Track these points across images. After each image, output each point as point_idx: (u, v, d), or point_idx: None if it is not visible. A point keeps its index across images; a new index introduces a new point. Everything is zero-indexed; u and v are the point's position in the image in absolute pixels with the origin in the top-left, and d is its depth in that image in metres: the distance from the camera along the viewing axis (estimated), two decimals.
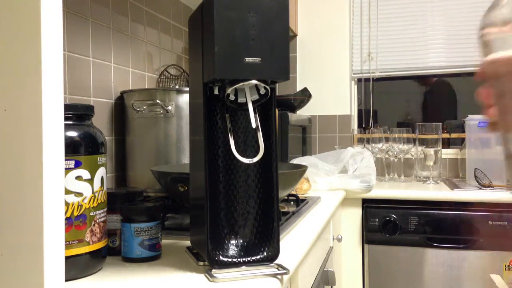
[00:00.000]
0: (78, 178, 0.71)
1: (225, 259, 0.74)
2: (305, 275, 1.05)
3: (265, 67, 0.68)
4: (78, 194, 0.71)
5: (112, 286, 0.70)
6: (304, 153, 2.11)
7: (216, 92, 0.74)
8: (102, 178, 0.76)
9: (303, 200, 1.39)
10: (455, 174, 2.23)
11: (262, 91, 0.74)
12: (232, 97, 0.74)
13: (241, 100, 0.74)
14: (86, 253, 0.72)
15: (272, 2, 0.68)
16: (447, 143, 2.25)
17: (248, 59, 0.67)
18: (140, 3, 1.47)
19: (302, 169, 1.14)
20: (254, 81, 0.69)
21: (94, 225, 0.74)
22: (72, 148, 0.71)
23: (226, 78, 0.69)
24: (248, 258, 0.74)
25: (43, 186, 0.48)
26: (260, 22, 0.68)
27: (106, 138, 0.79)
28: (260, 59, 0.68)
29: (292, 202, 1.39)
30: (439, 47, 2.31)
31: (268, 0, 0.68)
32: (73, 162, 0.71)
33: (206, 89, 0.74)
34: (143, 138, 1.29)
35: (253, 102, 0.73)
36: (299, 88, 2.30)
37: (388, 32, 2.37)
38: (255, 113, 0.73)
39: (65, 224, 0.69)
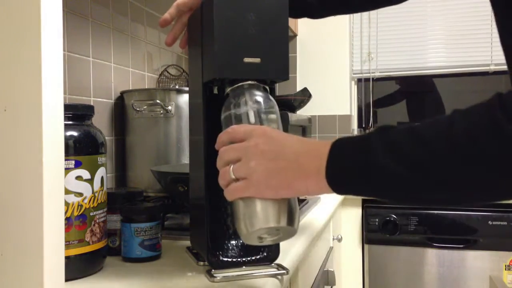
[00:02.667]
0: (78, 178, 0.71)
1: (225, 259, 0.74)
2: (305, 275, 1.05)
3: (265, 67, 0.68)
4: (78, 194, 0.71)
5: (112, 286, 0.70)
6: None
7: (215, 91, 0.75)
8: (102, 178, 0.76)
9: (303, 200, 1.39)
10: None
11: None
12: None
13: None
14: (86, 253, 0.72)
15: (272, 2, 0.68)
16: None
17: (248, 59, 0.67)
18: (140, 3, 1.47)
19: None
20: (252, 82, 0.69)
21: (94, 225, 0.74)
22: (72, 148, 0.71)
23: (225, 78, 0.69)
24: (248, 258, 0.74)
25: (43, 186, 0.48)
26: (260, 22, 0.67)
27: (106, 138, 0.79)
28: (259, 59, 0.67)
29: None
30: (439, 47, 2.31)
31: (268, 0, 0.68)
32: (73, 162, 0.71)
33: (205, 89, 0.74)
34: (143, 138, 1.29)
35: None
36: (299, 88, 2.30)
37: (388, 32, 2.37)
38: None
39: (65, 224, 0.69)
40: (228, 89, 0.69)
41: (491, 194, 0.52)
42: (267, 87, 0.71)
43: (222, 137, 0.62)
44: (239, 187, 0.58)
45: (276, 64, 0.69)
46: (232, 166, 0.59)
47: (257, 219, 0.57)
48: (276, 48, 0.69)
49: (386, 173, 0.51)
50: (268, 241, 0.61)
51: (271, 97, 0.69)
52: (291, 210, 0.59)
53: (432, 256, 1.73)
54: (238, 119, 0.65)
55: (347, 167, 0.54)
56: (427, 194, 0.53)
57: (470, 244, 1.69)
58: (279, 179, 0.56)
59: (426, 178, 0.50)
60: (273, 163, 0.56)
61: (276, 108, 0.67)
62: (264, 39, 0.68)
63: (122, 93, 1.35)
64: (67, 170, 0.70)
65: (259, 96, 0.67)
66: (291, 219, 0.59)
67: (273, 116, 0.66)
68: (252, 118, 0.64)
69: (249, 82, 0.68)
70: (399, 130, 0.53)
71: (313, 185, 0.56)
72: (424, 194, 0.53)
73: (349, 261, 1.83)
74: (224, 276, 0.70)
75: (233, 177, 0.59)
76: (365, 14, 2.39)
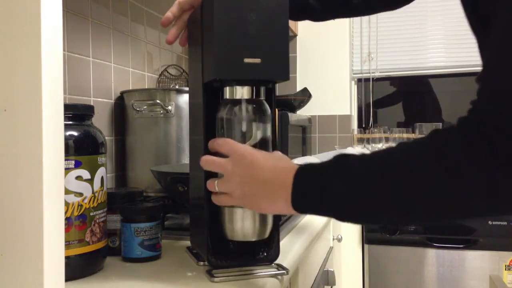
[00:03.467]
0: (78, 178, 0.71)
1: (225, 259, 0.74)
2: (305, 275, 1.05)
3: (265, 67, 0.68)
4: (78, 194, 0.71)
5: (112, 286, 0.70)
6: (304, 153, 2.11)
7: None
8: (102, 178, 0.76)
9: None
10: None
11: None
12: None
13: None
14: (86, 253, 0.72)
15: (272, 2, 0.68)
16: None
17: (248, 59, 0.67)
18: (140, 3, 1.47)
19: None
20: (249, 88, 0.70)
21: (94, 225, 0.74)
22: (72, 148, 0.71)
23: (226, 79, 0.69)
24: (248, 258, 0.74)
25: (43, 186, 0.48)
26: (260, 22, 0.67)
27: (106, 138, 0.79)
28: (259, 59, 0.67)
29: None
30: (439, 47, 2.32)
31: (268, 0, 0.68)
32: (73, 162, 0.71)
33: (206, 89, 0.74)
34: (143, 138, 1.29)
35: None
36: (299, 88, 2.30)
37: (388, 32, 2.38)
38: None
39: (65, 224, 0.69)
40: (227, 95, 0.70)
41: (422, 218, 0.59)
42: (264, 101, 0.72)
43: (212, 144, 0.70)
44: (224, 199, 0.68)
45: (276, 64, 0.69)
46: (216, 180, 0.68)
47: (236, 233, 0.70)
48: (276, 48, 0.69)
49: (341, 197, 0.58)
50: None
51: (267, 108, 0.71)
52: (265, 223, 0.71)
53: (432, 256, 1.73)
54: (230, 125, 0.70)
55: (307, 194, 0.61)
56: (375, 216, 0.59)
57: (470, 244, 1.69)
58: (254, 202, 0.65)
59: (370, 200, 0.56)
60: (248, 187, 0.65)
61: (269, 120, 0.72)
62: (265, 39, 0.68)
63: (122, 93, 1.35)
64: (67, 170, 0.70)
65: (254, 107, 0.71)
66: (264, 232, 0.71)
67: (265, 127, 0.71)
68: (244, 127, 0.70)
69: (246, 97, 0.70)
70: (353, 157, 0.59)
71: (283, 209, 0.64)
72: (372, 216, 0.59)
73: (349, 261, 1.83)
74: (224, 276, 0.70)
75: (217, 190, 0.68)
76: None
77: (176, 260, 0.82)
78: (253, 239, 0.71)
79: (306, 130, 2.16)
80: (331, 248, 1.50)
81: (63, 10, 1.12)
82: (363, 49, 2.41)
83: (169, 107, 1.25)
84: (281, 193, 0.62)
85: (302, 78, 2.42)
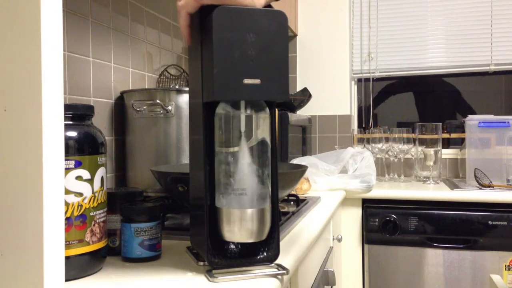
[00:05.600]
0: (78, 178, 0.71)
1: (225, 259, 0.74)
2: (305, 275, 1.05)
3: (265, 87, 0.68)
4: (78, 194, 0.71)
5: (112, 286, 0.70)
6: (304, 153, 2.11)
7: None
8: (102, 178, 0.76)
9: (303, 200, 1.39)
10: (455, 174, 2.23)
11: None
12: None
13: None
14: (86, 253, 0.72)
15: (271, 23, 0.68)
16: (447, 143, 2.25)
17: (247, 80, 0.67)
18: (140, 3, 1.47)
19: (302, 169, 1.14)
20: (248, 111, 0.71)
21: (94, 225, 0.74)
22: (72, 148, 0.71)
23: (225, 100, 0.70)
24: (248, 258, 0.74)
25: (43, 186, 0.48)
26: (259, 43, 0.67)
27: (106, 138, 0.79)
28: (259, 80, 0.67)
29: (292, 202, 1.39)
30: (439, 47, 2.31)
31: (267, 20, 0.68)
32: (73, 162, 0.71)
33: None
34: (143, 138, 1.29)
35: None
36: (299, 88, 2.30)
37: (388, 32, 2.37)
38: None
39: (65, 224, 0.69)
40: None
41: None
42: (263, 101, 0.72)
43: None
44: None
45: (276, 84, 0.69)
46: None
47: (234, 234, 0.71)
48: (276, 68, 0.68)
49: None
50: None
51: (266, 108, 0.72)
52: (263, 224, 0.71)
53: (432, 256, 1.73)
54: (230, 125, 0.70)
55: None
56: None
57: (470, 244, 1.69)
58: None
59: None
60: None
61: (269, 120, 0.72)
62: (264, 59, 0.67)
63: (122, 93, 1.35)
64: (67, 170, 0.70)
65: (253, 107, 0.71)
66: (262, 233, 0.71)
67: (265, 127, 0.72)
68: (243, 128, 0.70)
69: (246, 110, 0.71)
70: None
71: None
72: None
73: (349, 261, 1.83)
74: (224, 276, 0.70)
75: None
76: (365, 14, 2.39)
77: (176, 260, 0.82)
78: (251, 241, 0.71)
79: (306, 130, 2.16)
80: (331, 248, 1.50)
81: (63, 10, 1.12)
82: (363, 49, 2.41)
83: (169, 107, 1.25)
84: None
85: (302, 78, 2.42)
